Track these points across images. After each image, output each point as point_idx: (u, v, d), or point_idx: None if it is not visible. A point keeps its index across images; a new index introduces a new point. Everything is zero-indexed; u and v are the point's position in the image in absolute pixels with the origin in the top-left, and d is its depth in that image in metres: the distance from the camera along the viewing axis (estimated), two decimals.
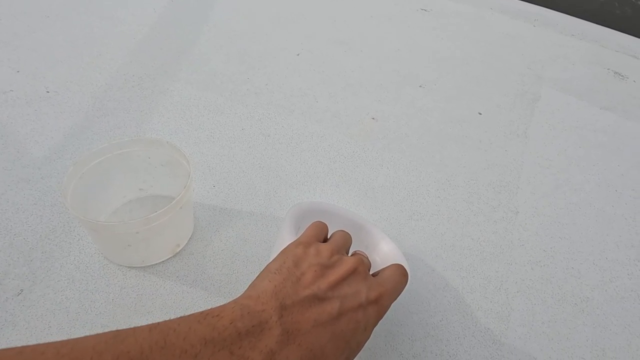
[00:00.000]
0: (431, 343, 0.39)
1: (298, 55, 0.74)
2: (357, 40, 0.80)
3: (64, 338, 0.37)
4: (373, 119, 0.63)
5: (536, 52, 0.84)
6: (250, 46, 0.74)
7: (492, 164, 0.58)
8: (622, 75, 0.82)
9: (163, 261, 0.43)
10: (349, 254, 0.35)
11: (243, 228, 0.47)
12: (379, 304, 0.29)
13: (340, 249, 0.32)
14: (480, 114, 0.67)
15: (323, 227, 0.35)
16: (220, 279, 0.42)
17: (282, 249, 0.31)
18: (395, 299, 0.31)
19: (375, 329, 0.39)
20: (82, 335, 0.37)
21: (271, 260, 0.31)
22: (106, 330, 0.38)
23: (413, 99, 0.68)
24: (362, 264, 0.31)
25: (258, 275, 0.29)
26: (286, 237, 0.35)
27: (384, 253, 0.40)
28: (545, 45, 0.87)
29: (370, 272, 0.40)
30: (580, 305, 0.44)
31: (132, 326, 0.37)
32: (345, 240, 0.34)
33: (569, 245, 0.49)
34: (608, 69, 0.83)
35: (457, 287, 0.44)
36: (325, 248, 0.31)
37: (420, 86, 0.70)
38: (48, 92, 0.61)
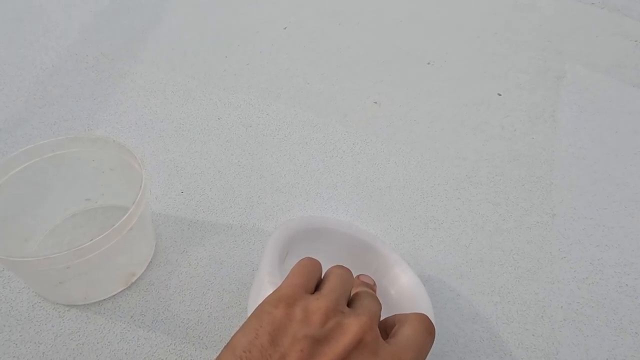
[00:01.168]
0: None
1: (285, 29, 0.63)
2: (352, 11, 0.69)
3: None
4: (375, 103, 0.53)
5: (554, 23, 0.74)
6: (229, 19, 0.63)
7: (518, 155, 0.49)
8: None
9: (113, 295, 0.33)
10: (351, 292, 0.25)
11: (218, 246, 0.37)
12: None
13: (338, 303, 0.22)
14: (499, 95, 0.57)
15: (313, 269, 0.25)
16: (188, 317, 0.33)
17: (257, 305, 0.22)
18: None
19: None
20: None
21: (246, 320, 0.21)
22: None
23: (420, 78, 0.58)
24: (370, 328, 0.21)
25: (220, 354, 0.20)
26: (265, 279, 0.25)
27: (400, 285, 0.31)
28: (563, 15, 0.77)
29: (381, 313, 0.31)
30: None
31: None
32: (345, 285, 0.24)
33: (618, 254, 0.41)
34: (635, 41, 0.73)
35: (490, 317, 0.35)
36: (316, 308, 0.21)
37: (428, 63, 0.60)
38: None
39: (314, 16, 0.66)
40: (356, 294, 0.25)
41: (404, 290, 0.31)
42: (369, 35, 0.64)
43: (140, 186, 0.30)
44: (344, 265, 0.26)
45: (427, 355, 0.23)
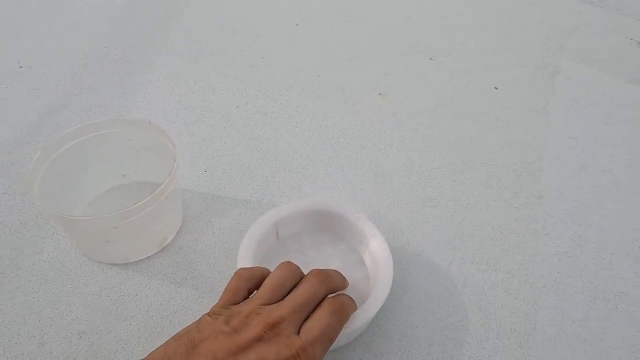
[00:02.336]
0: (451, 347, 0.35)
1: (297, 25, 0.67)
2: (361, 8, 0.73)
3: (35, 347, 0.33)
4: (380, 94, 0.58)
5: (554, 20, 0.77)
6: (245, 14, 0.68)
7: (511, 144, 0.53)
8: None
9: (148, 257, 0.38)
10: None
11: (238, 218, 0.42)
12: None
13: (258, 305, 0.27)
14: (496, 88, 0.61)
15: (238, 285, 0.29)
16: (213, 276, 0.38)
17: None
18: (323, 350, 0.27)
19: (387, 332, 0.35)
20: (56, 344, 0.33)
21: None
22: (83, 338, 0.34)
23: (424, 72, 0.62)
24: (272, 326, 0.26)
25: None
26: (238, 264, 0.33)
27: (372, 252, 0.36)
28: (562, 13, 0.81)
29: (360, 278, 0.37)
30: (613, 301, 0.39)
31: (111, 332, 0.33)
32: (277, 289, 0.29)
33: (598, 233, 0.45)
34: (631, 39, 0.77)
35: (478, 283, 0.39)
36: (237, 314, 0.27)
37: (431, 58, 0.64)
38: (21, 67, 0.55)
39: (325, 13, 0.71)
40: (295, 287, 0.29)
41: (375, 256, 0.35)
42: (375, 31, 0.68)
43: (175, 160, 0.35)
44: (291, 263, 0.31)
45: (336, 332, 0.28)
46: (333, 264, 0.37)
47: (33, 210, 0.40)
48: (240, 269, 0.31)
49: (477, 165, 0.50)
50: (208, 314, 0.27)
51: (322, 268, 0.31)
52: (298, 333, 0.26)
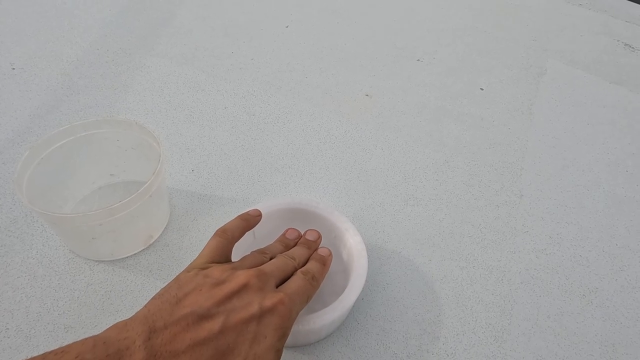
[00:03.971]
0: (427, 341, 0.36)
1: (287, 27, 0.69)
2: (350, 10, 0.74)
3: (22, 341, 0.34)
4: (367, 95, 0.59)
5: (542, 22, 0.79)
6: (236, 17, 0.69)
7: (494, 143, 0.54)
8: (633, 47, 0.77)
9: (135, 254, 0.39)
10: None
11: (224, 216, 0.43)
12: (277, 311, 0.27)
13: (241, 265, 0.30)
14: (482, 89, 0.62)
15: (223, 245, 0.32)
16: None
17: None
18: (301, 304, 0.29)
19: (366, 326, 0.36)
20: (42, 337, 0.34)
21: None
22: (69, 332, 0.35)
23: (410, 73, 0.63)
24: (257, 277, 0.28)
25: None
26: None
27: (348, 247, 0.37)
28: (551, 15, 0.82)
29: (337, 272, 0.38)
30: (588, 297, 0.41)
31: (97, 327, 0.34)
32: (258, 258, 0.32)
33: (576, 231, 0.46)
34: (618, 41, 0.78)
35: (456, 279, 0.40)
36: (218, 268, 0.28)
37: (418, 60, 0.65)
38: (14, 68, 0.56)
39: (314, 15, 0.72)
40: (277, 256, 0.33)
41: (350, 250, 0.36)
42: (364, 33, 0.69)
43: (159, 160, 0.36)
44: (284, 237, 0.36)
45: (309, 293, 0.30)
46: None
47: (23, 208, 0.41)
48: (221, 229, 0.32)
49: (460, 164, 0.51)
50: (186, 270, 0.28)
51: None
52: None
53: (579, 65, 0.70)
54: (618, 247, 0.45)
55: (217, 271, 0.28)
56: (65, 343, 0.33)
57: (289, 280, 0.30)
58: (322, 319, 0.31)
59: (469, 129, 0.55)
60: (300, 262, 0.33)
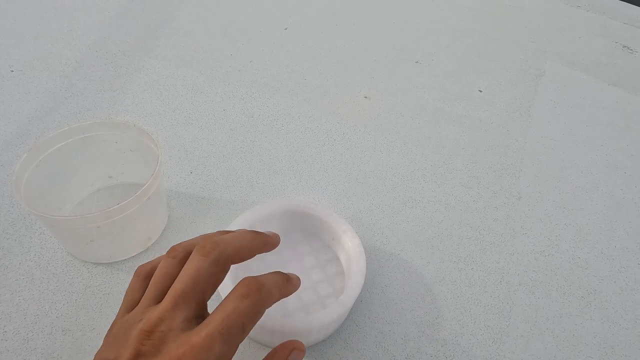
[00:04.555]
0: (426, 343, 0.36)
1: (286, 29, 0.69)
2: (349, 12, 0.74)
3: (20, 344, 0.34)
4: (365, 97, 0.59)
5: (540, 24, 0.79)
6: (235, 18, 0.69)
7: (493, 145, 0.54)
8: (631, 49, 0.77)
9: (133, 256, 0.39)
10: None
11: (222, 218, 0.43)
12: None
13: (149, 304, 0.23)
14: (480, 91, 0.62)
15: (150, 270, 0.26)
16: None
17: None
18: (237, 337, 0.21)
19: (364, 328, 0.36)
20: (40, 341, 0.33)
21: None
22: (67, 335, 0.35)
23: (409, 75, 0.63)
24: (147, 338, 0.21)
25: None
26: None
27: (346, 249, 0.37)
28: (550, 17, 0.82)
29: (334, 274, 0.37)
30: (587, 299, 0.40)
31: (95, 329, 0.34)
32: (165, 276, 0.24)
33: (575, 232, 0.46)
34: (616, 42, 0.78)
35: (455, 281, 0.40)
36: (121, 327, 0.23)
37: (416, 62, 0.66)
38: (12, 70, 0.56)
39: (313, 17, 0.72)
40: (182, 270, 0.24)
41: (349, 252, 0.36)
42: (363, 35, 0.70)
43: (157, 162, 0.36)
44: (178, 245, 0.26)
45: (248, 318, 0.22)
46: (308, 262, 0.38)
47: (21, 210, 0.41)
48: (140, 265, 0.26)
49: (459, 166, 0.51)
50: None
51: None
52: (191, 329, 0.21)
53: (578, 66, 0.70)
54: (617, 249, 0.45)
55: (119, 336, 0.22)
56: (63, 346, 0.33)
57: (218, 306, 0.22)
58: (320, 320, 0.31)
59: (468, 131, 0.55)
60: (225, 254, 0.24)
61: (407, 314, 0.38)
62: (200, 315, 0.23)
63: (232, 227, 0.37)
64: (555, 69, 0.69)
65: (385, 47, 0.68)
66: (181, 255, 0.25)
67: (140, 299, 0.24)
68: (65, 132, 0.38)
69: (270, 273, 0.25)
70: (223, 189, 0.45)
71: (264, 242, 0.27)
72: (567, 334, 0.38)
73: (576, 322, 0.39)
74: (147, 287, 0.24)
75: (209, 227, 0.42)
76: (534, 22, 0.79)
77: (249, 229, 0.28)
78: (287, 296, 0.25)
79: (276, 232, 0.29)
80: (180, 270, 0.24)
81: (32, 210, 0.32)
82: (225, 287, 0.32)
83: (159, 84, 0.56)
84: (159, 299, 0.23)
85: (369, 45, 0.68)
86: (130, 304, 0.24)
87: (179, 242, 0.26)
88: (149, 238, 0.40)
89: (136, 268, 0.26)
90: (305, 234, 0.40)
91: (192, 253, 0.24)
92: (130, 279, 0.26)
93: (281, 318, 0.31)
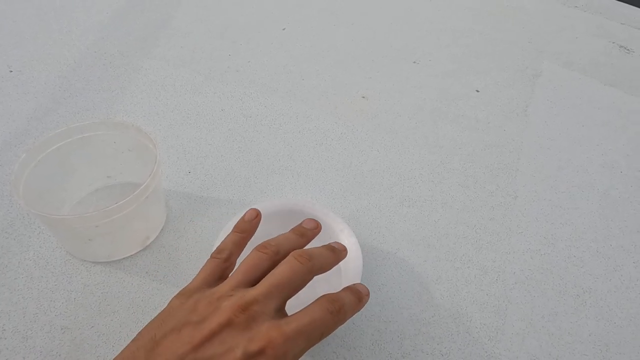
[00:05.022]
0: (422, 341, 0.36)
1: (284, 29, 0.69)
2: (348, 12, 0.75)
3: (19, 342, 0.34)
4: (363, 97, 0.59)
5: (538, 24, 0.79)
6: (234, 19, 0.69)
7: (489, 145, 0.54)
8: (628, 49, 0.77)
9: (131, 255, 0.39)
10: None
11: (220, 217, 0.43)
12: (268, 356, 0.22)
13: (232, 288, 0.26)
14: (477, 91, 0.62)
15: (219, 267, 0.28)
16: (194, 273, 0.38)
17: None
18: (307, 342, 0.24)
19: (361, 327, 0.36)
20: (40, 339, 0.34)
21: None
22: (66, 333, 0.35)
23: (407, 75, 0.63)
24: (243, 310, 0.24)
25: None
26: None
27: None
28: (547, 17, 0.82)
29: (331, 272, 0.37)
30: (582, 297, 0.41)
31: (94, 327, 0.34)
32: (250, 270, 0.27)
33: (571, 231, 0.46)
34: (613, 43, 0.78)
35: (451, 279, 0.41)
36: (205, 300, 0.25)
37: (414, 62, 0.66)
38: (11, 71, 0.56)
39: (312, 17, 0.72)
40: (277, 266, 0.27)
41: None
42: (361, 36, 0.70)
43: (155, 162, 0.36)
44: (269, 244, 0.29)
45: (325, 332, 0.25)
46: None
47: (20, 210, 0.42)
48: (216, 249, 0.29)
49: (455, 166, 0.51)
50: (177, 296, 0.26)
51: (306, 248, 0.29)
52: (280, 318, 0.24)
53: (575, 67, 0.70)
54: (612, 248, 0.45)
55: (202, 304, 0.25)
56: (62, 344, 0.33)
57: (304, 309, 0.25)
58: None
59: (465, 131, 0.56)
60: (317, 266, 0.27)
61: (403, 312, 0.38)
62: (283, 309, 0.25)
63: (230, 225, 0.37)
64: (552, 69, 0.69)
65: (383, 47, 0.68)
66: (271, 253, 0.28)
67: (219, 279, 0.27)
68: (63, 132, 0.38)
69: (349, 290, 0.29)
70: (221, 188, 0.46)
71: (339, 259, 0.31)
72: (563, 332, 0.38)
73: (571, 320, 0.39)
74: (225, 269, 0.28)
75: (207, 226, 0.42)
76: (532, 22, 0.79)
77: (327, 246, 0.31)
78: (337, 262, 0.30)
79: (344, 246, 0.32)
80: (268, 265, 0.27)
81: (31, 209, 0.32)
82: None
83: (158, 84, 0.57)
84: (248, 284, 0.26)
85: (368, 45, 0.68)
86: (209, 280, 0.27)
87: (267, 240, 0.30)
88: (147, 237, 0.40)
89: (214, 249, 0.30)
90: None
91: (290, 256, 0.27)
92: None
93: None
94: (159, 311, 0.36)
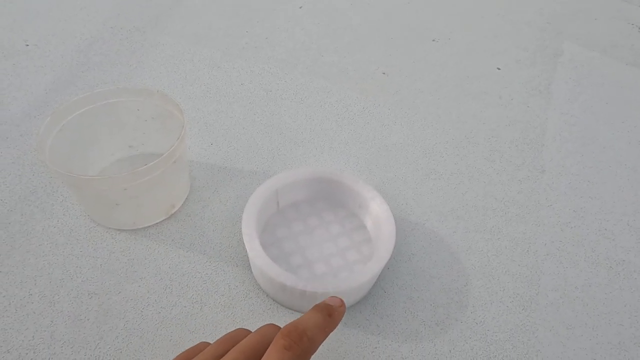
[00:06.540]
0: (455, 309, 0.36)
1: (301, 7, 0.68)
2: None
3: (46, 306, 0.33)
4: (384, 73, 0.58)
5: (555, 6, 0.78)
6: None
7: (514, 121, 0.53)
8: None
9: (156, 223, 0.39)
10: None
11: (244, 188, 0.42)
12: None
13: None
14: (499, 69, 0.61)
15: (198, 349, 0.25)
16: (220, 242, 0.38)
17: None
18: None
19: (393, 295, 0.36)
20: (67, 303, 0.33)
21: None
22: (93, 298, 0.34)
23: (425, 53, 0.62)
24: None
25: None
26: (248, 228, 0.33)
27: (374, 215, 0.36)
28: (565, 0, 0.81)
29: (361, 241, 0.37)
30: (615, 269, 0.40)
31: (121, 293, 0.33)
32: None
33: (600, 205, 0.45)
34: (632, 25, 0.77)
35: (482, 250, 0.40)
36: None
37: (433, 40, 0.65)
38: (27, 45, 0.55)
39: None
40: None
41: (378, 218, 0.36)
42: (378, 14, 0.69)
43: (182, 126, 0.35)
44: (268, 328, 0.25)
45: (323, 331, 0.24)
46: (334, 229, 0.38)
47: (42, 178, 0.41)
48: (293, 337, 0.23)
49: (480, 140, 0.50)
50: None
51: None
52: None
53: (595, 47, 0.69)
54: None
55: None
56: (90, 308, 0.33)
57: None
58: (348, 284, 0.31)
59: (488, 107, 0.55)
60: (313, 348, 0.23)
61: (435, 281, 0.37)
62: None
63: (257, 194, 0.36)
64: (573, 49, 0.68)
65: (400, 26, 0.67)
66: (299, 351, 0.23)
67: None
68: (87, 98, 0.38)
69: (311, 312, 0.25)
70: (244, 159, 0.45)
71: (336, 324, 0.26)
72: (597, 303, 0.37)
73: (605, 291, 0.38)
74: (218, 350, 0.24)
75: (231, 195, 0.41)
76: (549, 5, 0.78)
77: (319, 309, 0.25)
78: (332, 331, 0.25)
79: (341, 300, 0.27)
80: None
81: (59, 170, 0.31)
82: (257, 253, 0.32)
83: (176, 58, 0.56)
84: None
85: (385, 24, 0.67)
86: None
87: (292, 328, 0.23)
88: (172, 205, 0.39)
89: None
90: (331, 203, 0.40)
91: (277, 338, 0.22)
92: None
93: (311, 281, 0.31)
94: (186, 277, 0.35)
